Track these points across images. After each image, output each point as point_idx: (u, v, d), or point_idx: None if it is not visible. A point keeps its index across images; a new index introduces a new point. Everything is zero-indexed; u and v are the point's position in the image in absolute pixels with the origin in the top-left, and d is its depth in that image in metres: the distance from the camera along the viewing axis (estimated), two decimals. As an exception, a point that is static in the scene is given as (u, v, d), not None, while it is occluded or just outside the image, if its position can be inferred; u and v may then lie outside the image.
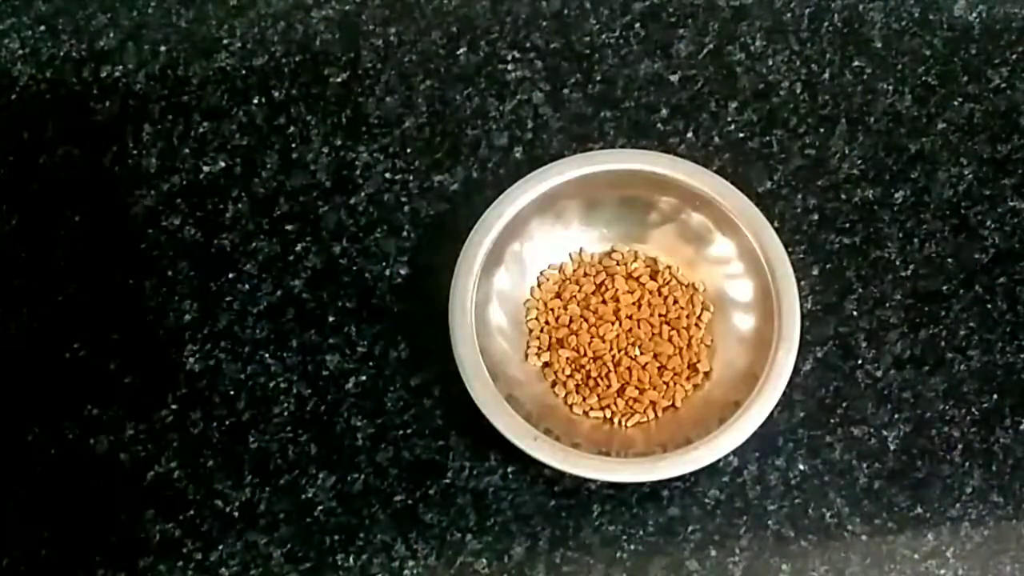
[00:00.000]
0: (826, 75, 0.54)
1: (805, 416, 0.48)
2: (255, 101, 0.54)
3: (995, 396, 0.49)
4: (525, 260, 0.49)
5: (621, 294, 0.49)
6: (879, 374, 0.49)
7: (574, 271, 0.50)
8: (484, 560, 0.46)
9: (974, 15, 0.56)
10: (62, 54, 0.54)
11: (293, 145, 0.53)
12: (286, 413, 0.48)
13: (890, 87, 0.54)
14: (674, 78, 0.54)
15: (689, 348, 0.48)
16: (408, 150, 0.53)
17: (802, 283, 0.49)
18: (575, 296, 0.49)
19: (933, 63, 0.55)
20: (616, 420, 0.47)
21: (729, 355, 0.48)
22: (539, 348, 0.48)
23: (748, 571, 0.46)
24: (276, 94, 0.54)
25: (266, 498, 0.47)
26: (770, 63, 0.55)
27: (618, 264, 0.50)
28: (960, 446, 0.48)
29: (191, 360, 0.49)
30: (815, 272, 0.51)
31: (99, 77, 0.54)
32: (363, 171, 0.52)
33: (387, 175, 0.52)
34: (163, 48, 0.55)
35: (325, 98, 0.54)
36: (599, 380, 0.47)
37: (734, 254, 0.48)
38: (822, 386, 0.49)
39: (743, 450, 0.45)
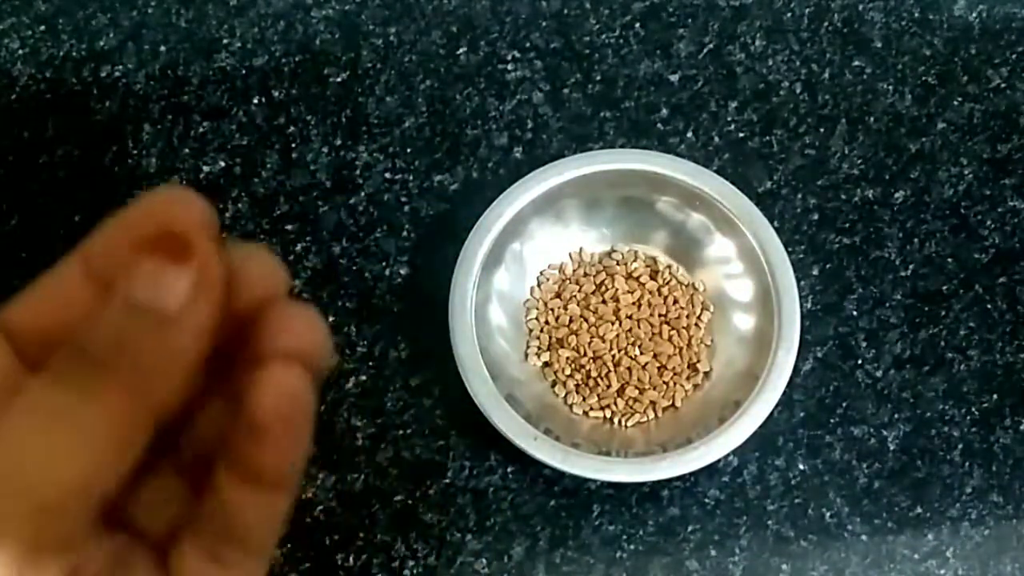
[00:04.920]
0: (826, 75, 0.54)
1: (805, 416, 0.48)
2: (255, 101, 0.54)
3: (995, 396, 0.49)
4: (525, 260, 0.49)
5: (621, 294, 0.49)
6: (879, 374, 0.49)
7: (574, 271, 0.50)
8: (484, 560, 0.46)
9: (974, 15, 0.56)
10: (62, 54, 0.55)
11: (293, 145, 0.53)
12: (286, 413, 0.48)
13: (890, 87, 0.54)
14: (674, 78, 0.54)
15: (689, 348, 0.48)
16: (408, 150, 0.53)
17: (802, 283, 0.49)
18: (575, 296, 0.49)
19: (933, 63, 0.55)
20: (616, 420, 0.47)
21: (729, 355, 0.48)
22: (539, 348, 0.48)
23: (748, 571, 0.46)
24: (276, 94, 0.54)
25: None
26: (770, 63, 0.55)
27: (618, 264, 0.50)
28: (960, 446, 0.48)
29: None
30: (815, 272, 0.51)
31: (99, 77, 0.54)
32: (363, 171, 0.52)
33: (387, 175, 0.52)
34: (163, 48, 0.55)
35: (325, 98, 0.54)
36: (599, 380, 0.47)
37: (734, 254, 0.48)
38: (822, 386, 0.49)
39: (743, 450, 0.45)
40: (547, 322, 0.49)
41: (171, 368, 0.21)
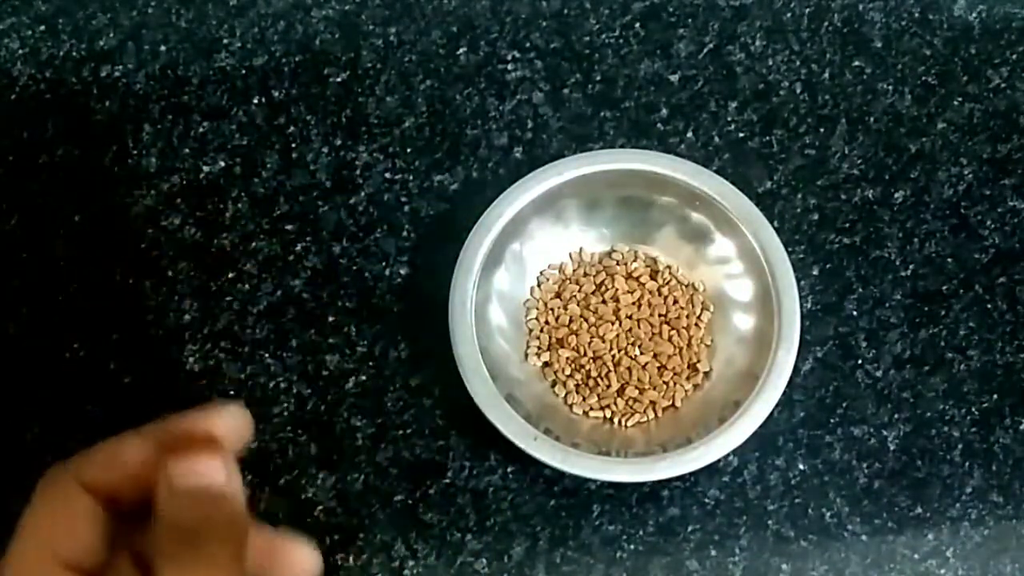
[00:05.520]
0: (826, 75, 0.54)
1: (805, 416, 0.48)
2: (255, 101, 0.54)
3: (995, 396, 0.49)
4: (525, 260, 0.49)
5: (621, 294, 0.49)
6: (879, 374, 0.49)
7: (574, 271, 0.50)
8: (484, 560, 0.46)
9: (974, 15, 0.56)
10: (62, 54, 0.55)
11: (293, 145, 0.53)
12: (286, 413, 0.48)
13: (890, 87, 0.54)
14: (674, 78, 0.54)
15: (689, 348, 0.48)
16: (408, 150, 0.53)
17: (802, 283, 0.49)
18: (575, 296, 0.49)
19: (933, 63, 0.55)
20: (616, 420, 0.47)
21: (729, 355, 0.48)
22: (539, 348, 0.48)
23: (748, 571, 0.46)
24: (276, 94, 0.54)
25: (266, 498, 0.47)
26: (770, 63, 0.55)
27: (618, 264, 0.50)
28: (960, 446, 0.48)
29: (191, 360, 0.49)
30: (815, 272, 0.51)
31: (99, 77, 0.54)
32: (363, 171, 0.52)
33: (387, 175, 0.52)
34: (163, 48, 0.55)
35: (325, 98, 0.54)
36: (599, 380, 0.47)
37: (734, 254, 0.48)
38: (822, 386, 0.49)
39: (743, 450, 0.45)
40: (547, 322, 0.49)
41: (236, 532, 0.28)
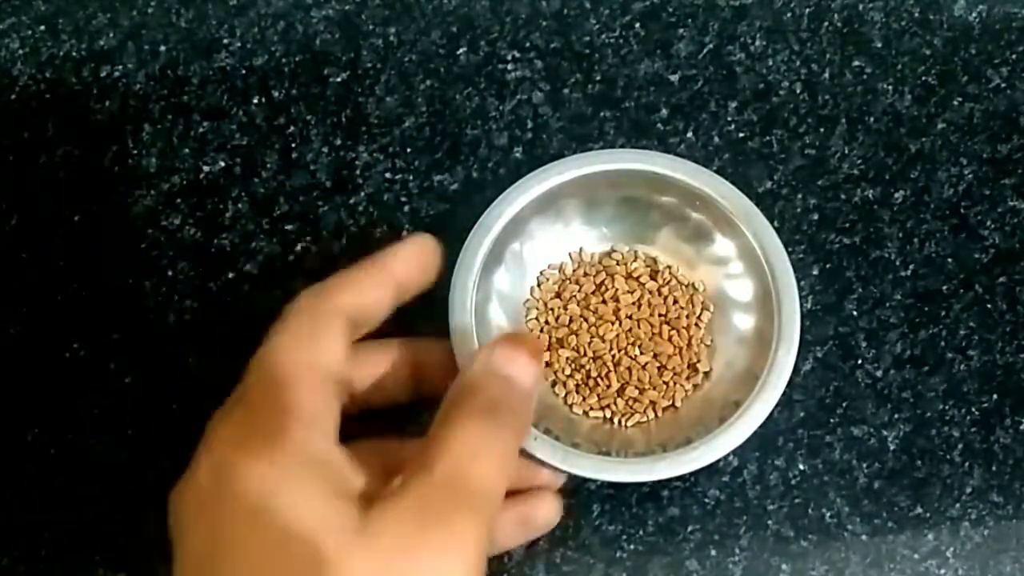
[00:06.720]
0: (826, 75, 0.54)
1: (805, 416, 0.48)
2: (255, 101, 0.54)
3: (995, 396, 0.49)
4: (525, 260, 0.49)
5: (621, 294, 0.49)
6: (879, 374, 0.49)
7: (574, 271, 0.50)
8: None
9: (974, 15, 0.56)
10: (62, 54, 0.55)
11: (293, 145, 0.53)
12: (286, 413, 0.48)
13: (890, 87, 0.54)
14: (674, 78, 0.54)
15: (689, 348, 0.48)
16: (408, 150, 0.53)
17: (802, 283, 0.49)
18: (575, 296, 0.49)
19: (933, 63, 0.55)
20: (616, 420, 0.47)
21: (729, 355, 0.48)
22: (539, 348, 0.48)
23: (748, 571, 0.46)
24: (276, 94, 0.54)
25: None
26: (770, 63, 0.55)
27: (618, 264, 0.50)
28: (960, 446, 0.48)
29: (191, 360, 0.49)
30: (815, 272, 0.51)
31: (99, 77, 0.54)
32: (363, 171, 0.52)
33: (387, 175, 0.52)
34: (163, 48, 0.55)
35: (325, 98, 0.54)
36: (599, 380, 0.47)
37: (734, 254, 0.48)
38: (822, 386, 0.49)
39: (743, 450, 0.45)
40: (547, 322, 0.49)
41: (526, 417, 0.37)
